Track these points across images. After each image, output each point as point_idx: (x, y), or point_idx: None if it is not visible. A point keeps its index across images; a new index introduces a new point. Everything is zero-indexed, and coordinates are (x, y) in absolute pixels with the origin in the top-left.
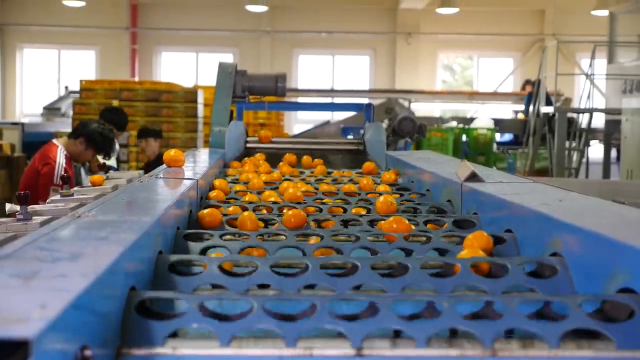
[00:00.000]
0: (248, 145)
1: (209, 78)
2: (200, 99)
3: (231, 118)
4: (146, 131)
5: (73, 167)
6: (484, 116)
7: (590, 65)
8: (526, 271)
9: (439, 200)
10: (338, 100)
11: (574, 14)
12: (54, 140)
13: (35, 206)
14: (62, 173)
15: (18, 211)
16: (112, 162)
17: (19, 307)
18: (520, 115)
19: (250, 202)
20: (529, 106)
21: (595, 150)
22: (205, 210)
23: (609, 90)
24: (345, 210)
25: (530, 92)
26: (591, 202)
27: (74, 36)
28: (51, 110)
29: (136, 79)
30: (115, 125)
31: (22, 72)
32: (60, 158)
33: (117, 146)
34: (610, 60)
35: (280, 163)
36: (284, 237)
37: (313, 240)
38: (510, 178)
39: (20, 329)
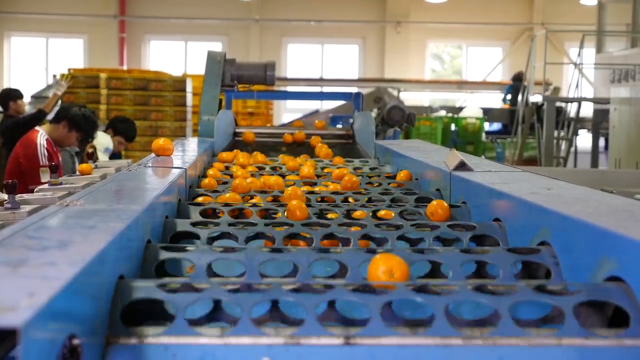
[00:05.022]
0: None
1: (198, 67)
2: (189, 87)
3: (220, 107)
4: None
5: (71, 155)
6: (473, 105)
7: (579, 55)
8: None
9: (428, 189)
10: (327, 89)
11: (563, 2)
12: (36, 127)
13: (23, 195)
14: (45, 153)
15: (6, 200)
16: (105, 159)
17: (7, 295)
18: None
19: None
20: (506, 95)
21: (584, 140)
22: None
23: (597, 80)
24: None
25: (511, 84)
26: (579, 191)
27: (62, 24)
28: (39, 99)
29: (125, 67)
30: (125, 135)
31: (10, 60)
32: (41, 140)
33: (110, 145)
34: (599, 49)
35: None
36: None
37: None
38: (499, 167)
39: (9, 317)
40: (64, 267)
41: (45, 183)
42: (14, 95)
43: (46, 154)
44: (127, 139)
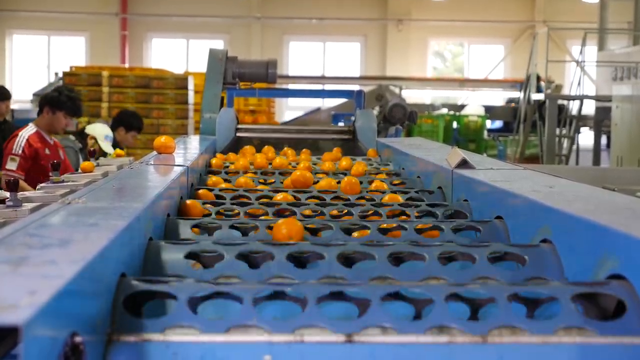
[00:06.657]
0: (238, 134)
1: (200, 64)
2: (191, 85)
3: (222, 105)
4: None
5: (75, 152)
6: (474, 103)
7: (581, 53)
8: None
9: (430, 187)
10: (329, 87)
11: (564, 0)
12: (29, 124)
13: (25, 192)
14: (23, 145)
15: (7, 198)
16: (109, 149)
17: (8, 293)
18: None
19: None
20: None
21: (586, 137)
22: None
23: (599, 77)
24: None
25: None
26: (581, 188)
27: (63, 22)
28: (41, 97)
29: (126, 65)
30: (137, 128)
31: (12, 58)
32: (25, 132)
33: (110, 133)
34: (601, 47)
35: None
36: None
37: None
38: (500, 165)
39: (10, 315)
40: (66, 265)
41: (10, 171)
42: None
43: (23, 144)
44: (139, 132)
